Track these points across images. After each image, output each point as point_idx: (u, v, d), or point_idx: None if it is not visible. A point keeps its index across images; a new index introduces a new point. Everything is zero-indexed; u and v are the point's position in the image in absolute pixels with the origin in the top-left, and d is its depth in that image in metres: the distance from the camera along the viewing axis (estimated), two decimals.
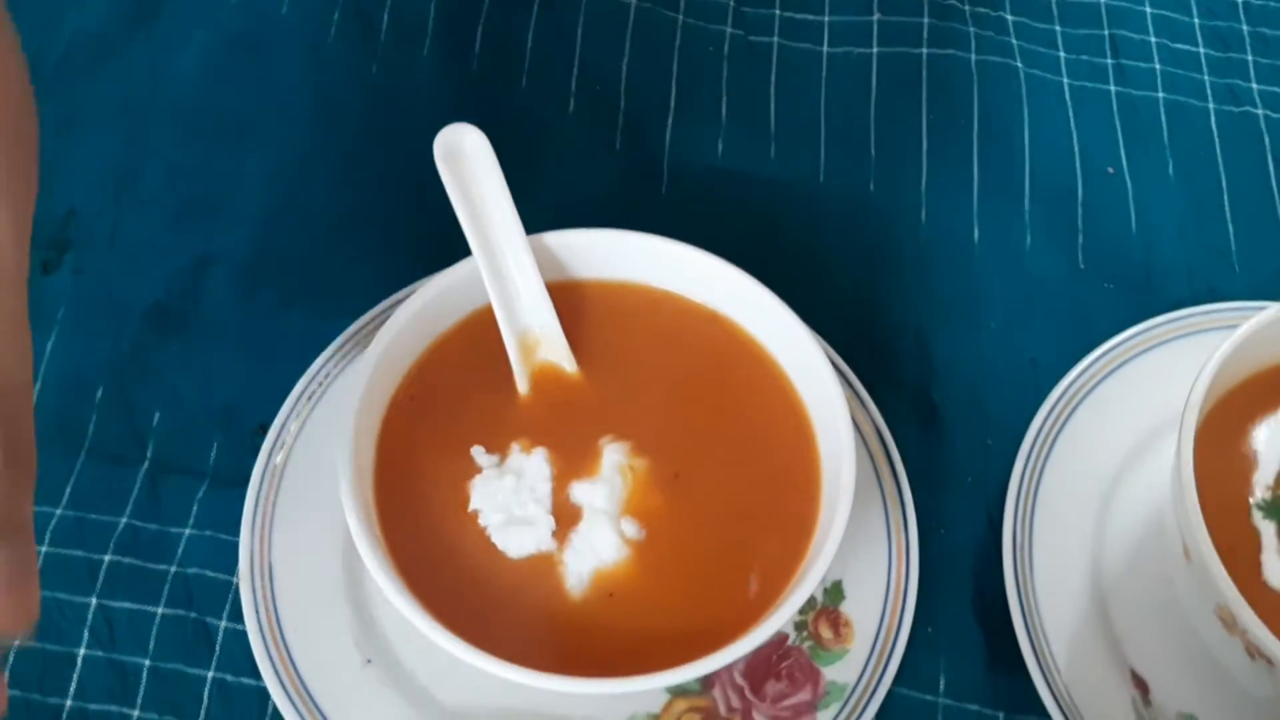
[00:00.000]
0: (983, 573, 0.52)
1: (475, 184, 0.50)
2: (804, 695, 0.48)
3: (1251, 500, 0.49)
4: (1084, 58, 0.65)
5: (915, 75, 0.64)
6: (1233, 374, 0.50)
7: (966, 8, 0.65)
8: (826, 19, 0.65)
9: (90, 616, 0.49)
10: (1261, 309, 0.49)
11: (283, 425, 0.51)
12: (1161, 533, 0.51)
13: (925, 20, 0.65)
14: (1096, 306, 0.58)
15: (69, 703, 0.48)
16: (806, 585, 0.44)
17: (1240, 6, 0.67)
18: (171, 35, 0.63)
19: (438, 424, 0.48)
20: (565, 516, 0.46)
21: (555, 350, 0.50)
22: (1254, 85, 0.65)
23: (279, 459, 0.51)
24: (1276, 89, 0.64)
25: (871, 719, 0.48)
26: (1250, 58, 0.65)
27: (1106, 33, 0.66)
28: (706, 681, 0.49)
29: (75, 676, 0.48)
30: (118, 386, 0.54)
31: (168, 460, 0.52)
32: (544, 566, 0.46)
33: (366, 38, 0.63)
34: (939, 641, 0.51)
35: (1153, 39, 0.66)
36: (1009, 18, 0.65)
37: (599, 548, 0.46)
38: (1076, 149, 0.62)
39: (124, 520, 0.51)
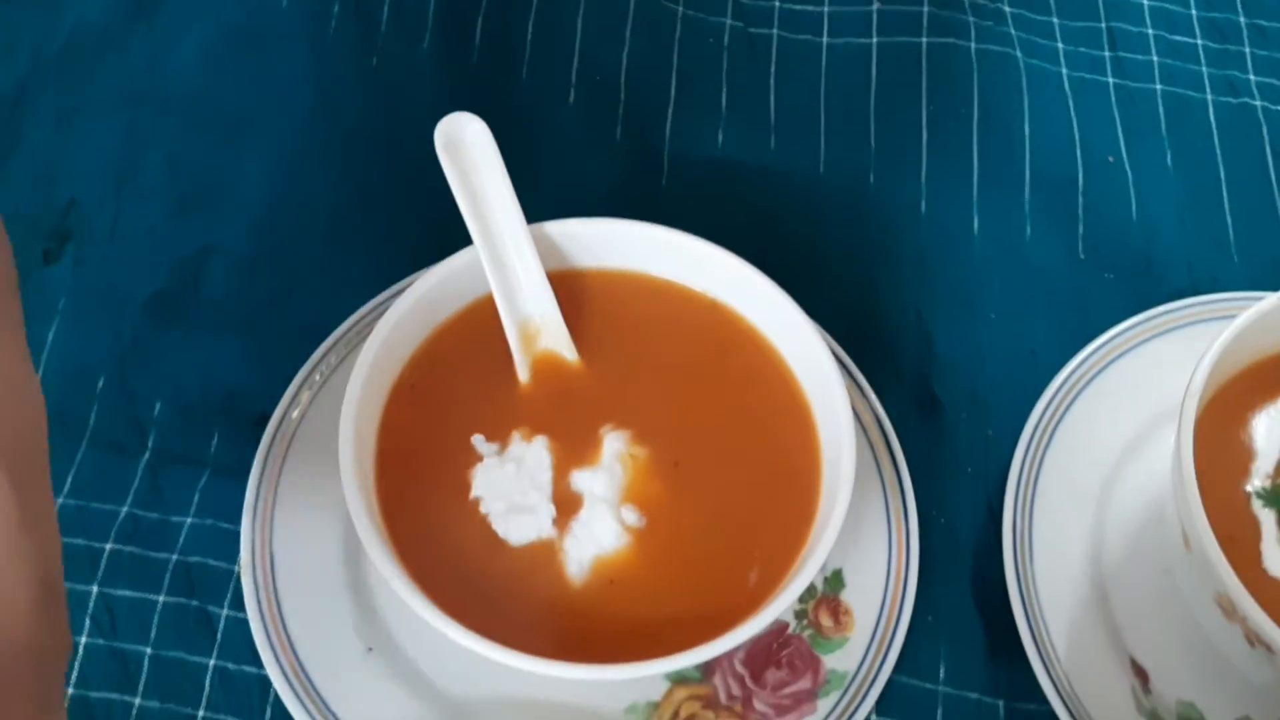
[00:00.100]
0: (983, 562, 0.52)
1: (476, 173, 0.50)
2: (804, 683, 0.48)
3: (1251, 489, 0.49)
4: (1082, 50, 0.65)
5: (915, 65, 0.64)
6: (1232, 363, 0.50)
7: None
8: (826, 10, 0.65)
9: (92, 605, 0.49)
10: (1260, 299, 0.50)
11: (284, 415, 0.51)
12: (1161, 522, 0.51)
13: (925, 9, 0.65)
14: (1096, 297, 0.58)
15: (70, 691, 0.48)
16: (806, 573, 0.44)
17: None
18: (172, 27, 0.63)
19: (439, 412, 0.48)
20: (566, 504, 0.46)
21: (556, 339, 0.50)
22: (1252, 77, 0.65)
23: (280, 448, 0.51)
24: (1274, 81, 0.65)
25: (871, 707, 0.48)
26: (1248, 50, 0.65)
27: (1104, 25, 0.66)
28: (707, 669, 0.49)
29: (77, 665, 0.48)
30: (119, 376, 0.54)
31: (169, 450, 0.53)
32: (545, 554, 0.46)
33: (366, 30, 0.63)
34: (939, 630, 0.51)
35: (1150, 31, 0.66)
36: (1007, 9, 0.66)
37: (599, 535, 0.46)
38: (1077, 138, 0.62)
39: (125, 509, 0.51)
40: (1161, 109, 0.63)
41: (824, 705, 0.48)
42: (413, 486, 0.46)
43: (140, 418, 0.53)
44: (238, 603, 0.49)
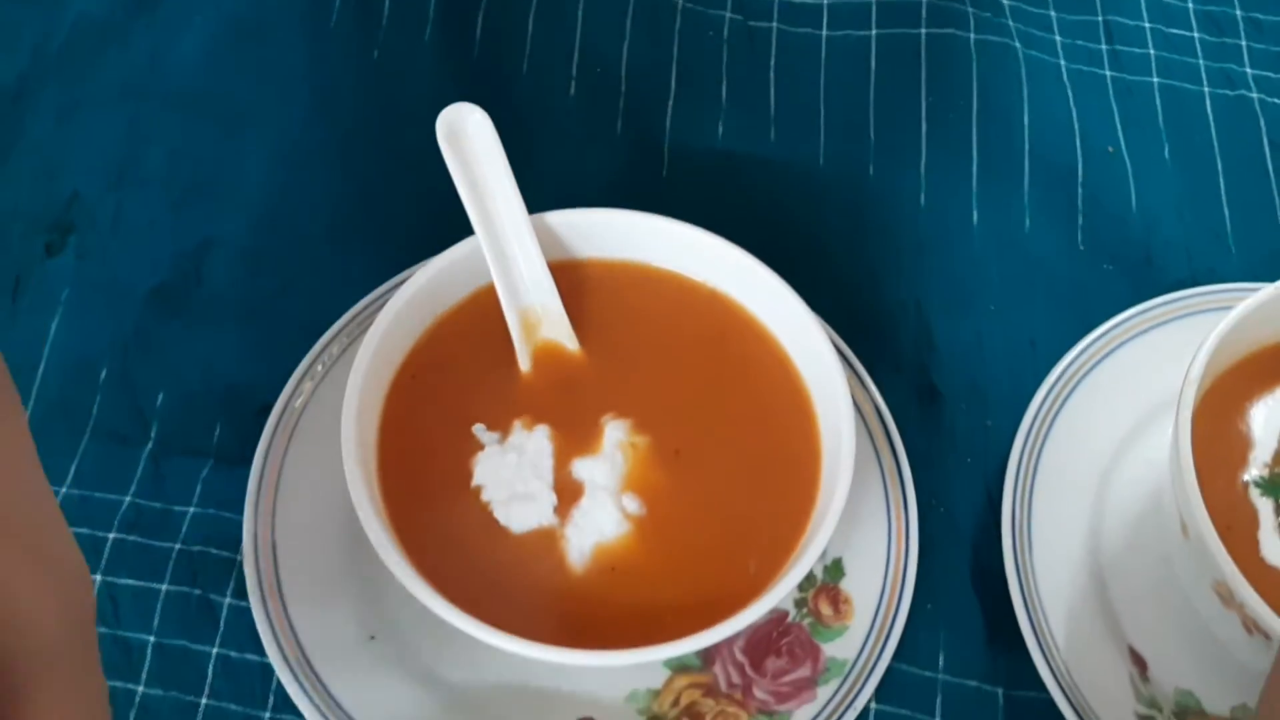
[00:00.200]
0: (982, 551, 0.52)
1: (477, 163, 0.50)
2: (804, 671, 0.49)
3: (1249, 478, 0.49)
4: (1079, 43, 0.65)
5: (914, 56, 0.64)
6: (1230, 354, 0.50)
7: None
8: (825, 2, 0.65)
9: (95, 593, 0.49)
10: (1258, 290, 0.50)
11: (286, 405, 0.51)
12: (1159, 511, 0.51)
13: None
14: (1095, 288, 0.58)
15: None
16: (806, 560, 0.44)
17: None
18: (173, 21, 0.63)
19: (440, 402, 0.48)
20: (567, 492, 0.47)
21: (557, 329, 0.50)
22: (1248, 70, 0.65)
23: (282, 438, 0.51)
24: (1270, 74, 0.65)
25: (871, 695, 0.48)
26: (1244, 43, 0.66)
27: (1100, 19, 0.66)
28: (707, 658, 0.49)
29: None
30: (121, 367, 0.54)
31: (171, 440, 0.53)
32: (546, 541, 0.46)
33: (368, 23, 0.64)
34: (938, 618, 0.51)
35: (1147, 25, 0.66)
36: (1005, 1, 0.66)
37: (600, 523, 0.46)
38: (1077, 129, 0.62)
39: (128, 499, 0.51)
40: (1159, 102, 0.64)
41: (824, 693, 0.48)
42: (414, 475, 0.47)
43: (143, 408, 0.53)
44: (240, 591, 0.49)
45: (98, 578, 0.50)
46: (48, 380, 0.54)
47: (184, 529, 0.51)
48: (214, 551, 0.50)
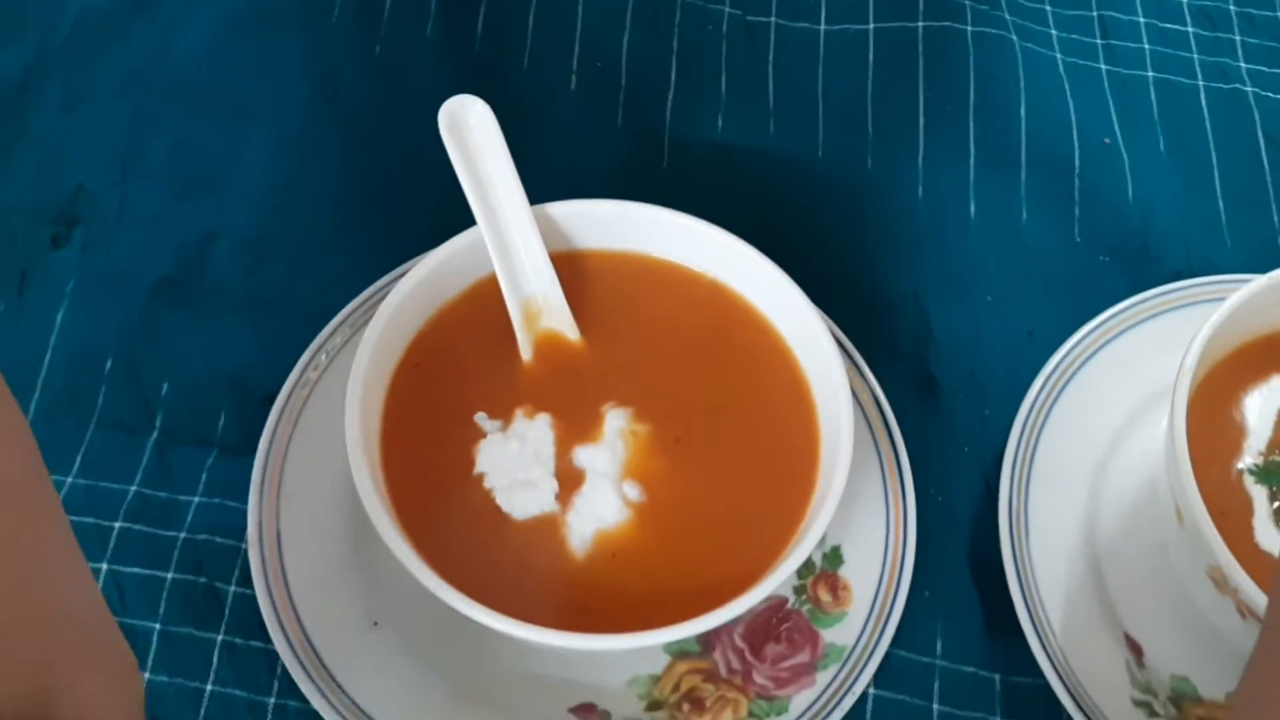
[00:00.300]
0: (979, 539, 0.53)
1: (479, 154, 0.50)
2: (803, 657, 0.49)
3: (1243, 466, 0.50)
4: (1075, 37, 0.66)
5: (912, 49, 0.64)
6: (1225, 343, 0.51)
7: None
8: None
9: (101, 581, 0.50)
10: (1253, 280, 0.50)
11: (289, 394, 0.52)
12: (1155, 499, 0.52)
13: None
14: (1092, 279, 0.59)
15: None
16: (805, 545, 0.44)
17: None
18: (176, 14, 0.63)
19: (443, 390, 0.49)
20: (568, 480, 0.47)
21: (558, 318, 0.50)
22: (1242, 64, 0.65)
23: (286, 427, 0.51)
24: (1264, 68, 0.65)
25: (869, 680, 0.49)
26: (1238, 37, 0.66)
27: (1095, 14, 0.66)
28: (707, 644, 0.49)
29: None
30: (127, 358, 0.54)
31: (176, 430, 0.53)
32: (548, 528, 0.46)
33: (369, 18, 0.64)
34: (936, 605, 0.51)
35: (1141, 19, 0.66)
36: None
37: (601, 509, 0.46)
38: (1074, 121, 0.63)
39: (134, 488, 0.52)
40: (1154, 96, 0.64)
41: (823, 678, 0.49)
42: (417, 463, 0.47)
43: (148, 398, 0.54)
44: (245, 579, 0.50)
45: (104, 566, 0.50)
46: (54, 370, 0.54)
47: (189, 518, 0.51)
48: (219, 540, 0.51)
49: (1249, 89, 0.64)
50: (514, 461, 0.47)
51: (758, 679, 0.49)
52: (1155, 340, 0.56)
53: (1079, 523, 0.53)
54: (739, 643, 0.49)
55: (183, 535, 0.51)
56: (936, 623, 0.51)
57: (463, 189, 0.50)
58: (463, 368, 0.49)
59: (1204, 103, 0.64)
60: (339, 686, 0.47)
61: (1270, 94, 0.64)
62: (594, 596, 0.45)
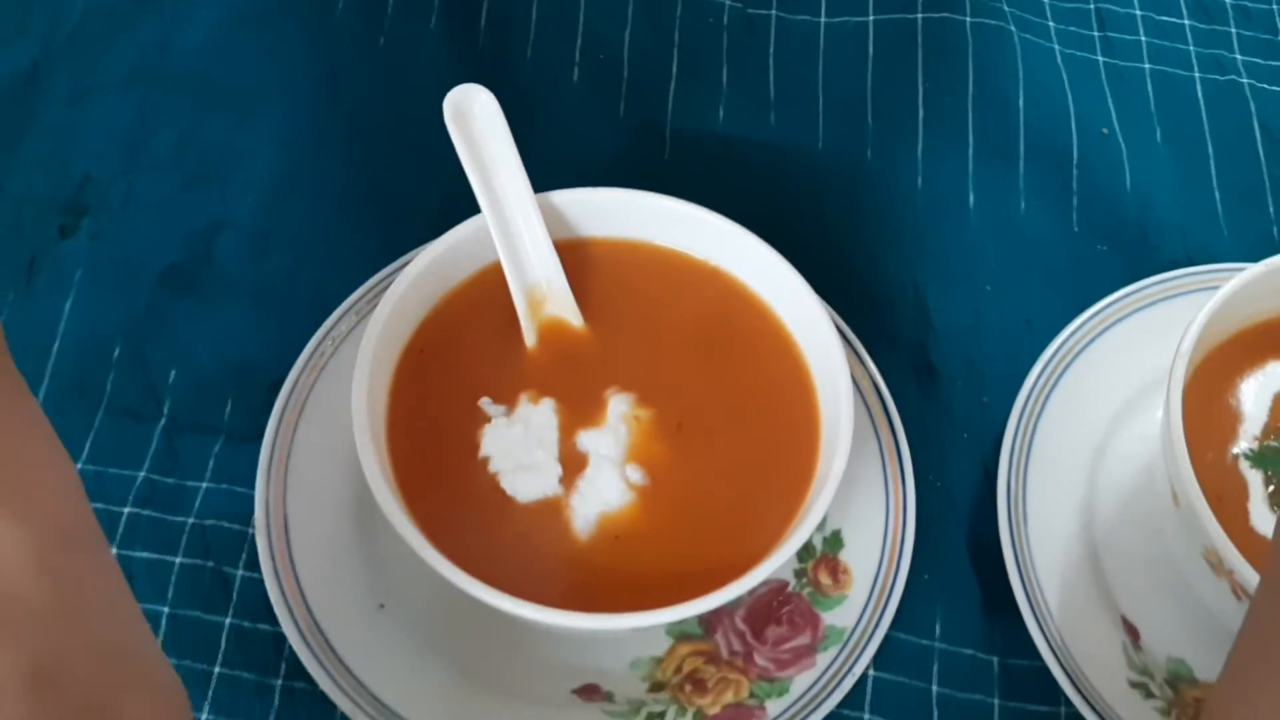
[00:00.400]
0: (978, 523, 0.53)
1: (484, 143, 0.51)
2: (804, 639, 0.50)
3: (1239, 451, 0.50)
4: (1072, 29, 0.66)
5: (911, 41, 0.65)
6: (1220, 330, 0.51)
7: None
8: None
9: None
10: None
11: (296, 380, 0.52)
12: (1152, 484, 0.52)
13: None
14: (1090, 269, 0.59)
15: None
16: (805, 527, 0.45)
17: None
18: (181, 8, 0.64)
19: (448, 376, 0.49)
20: (572, 463, 0.48)
21: (562, 305, 0.51)
22: (1238, 57, 0.66)
23: (293, 413, 0.52)
24: (1260, 60, 0.66)
25: (869, 662, 0.49)
26: (1234, 30, 0.67)
27: (1092, 6, 0.67)
28: (709, 626, 0.50)
29: None
30: (134, 345, 0.55)
31: (184, 417, 0.54)
32: (552, 510, 0.47)
33: (374, 10, 0.64)
34: (935, 589, 0.52)
35: (1138, 12, 0.67)
36: None
37: (604, 492, 0.47)
38: (1072, 112, 0.63)
39: (142, 474, 0.52)
40: (1151, 87, 0.65)
41: (823, 659, 0.49)
42: (423, 447, 0.48)
43: (155, 385, 0.54)
44: (252, 563, 0.50)
45: (113, 551, 0.50)
46: (63, 358, 0.55)
47: (197, 503, 0.52)
48: (226, 525, 0.51)
49: (1245, 81, 0.65)
50: (518, 445, 0.47)
51: (759, 661, 0.49)
52: (1152, 328, 0.56)
53: (1076, 508, 0.53)
54: (740, 625, 0.50)
55: (190, 520, 0.52)
56: (936, 606, 0.52)
57: (467, 177, 0.50)
58: (467, 353, 0.50)
59: (1200, 95, 0.65)
60: (346, 668, 0.47)
61: (1266, 86, 0.65)
62: (597, 578, 0.46)
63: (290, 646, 0.48)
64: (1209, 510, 0.45)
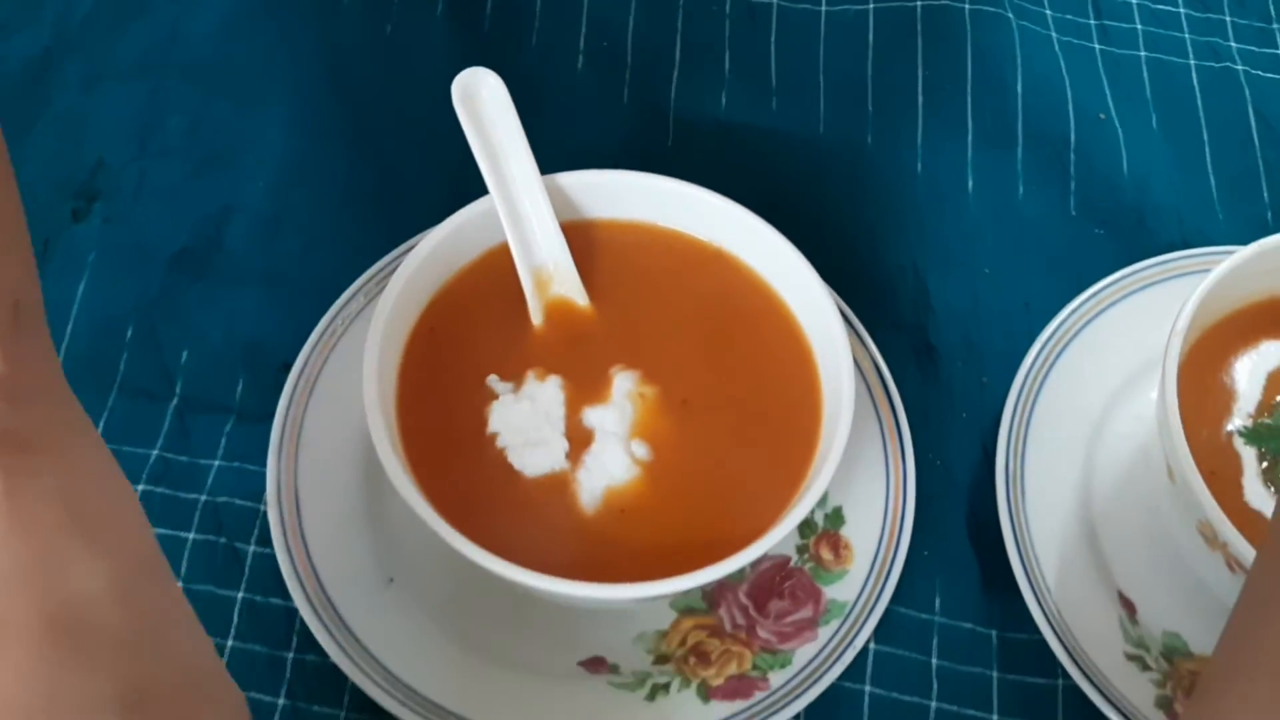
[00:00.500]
0: (977, 501, 0.54)
1: (492, 126, 0.52)
2: (806, 612, 0.50)
3: (1233, 428, 0.51)
4: (1069, 17, 0.67)
5: (910, 29, 0.66)
6: (1214, 310, 0.52)
7: None
8: None
9: None
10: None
11: (307, 359, 0.53)
12: (1148, 462, 0.53)
13: None
14: (1087, 252, 0.60)
15: None
16: (807, 501, 0.46)
17: None
18: None
19: (456, 354, 0.50)
20: (578, 439, 0.48)
21: (568, 285, 0.52)
22: (1233, 44, 0.67)
23: (304, 391, 0.52)
24: (1254, 48, 0.67)
25: (870, 635, 0.50)
26: (1228, 18, 0.68)
27: None
28: (712, 601, 0.51)
29: None
30: (147, 326, 0.56)
31: (196, 396, 0.55)
32: (559, 484, 0.48)
33: None
34: (935, 564, 0.53)
35: (1134, 0, 0.68)
36: None
37: (610, 467, 0.48)
38: (1069, 97, 0.64)
39: (155, 452, 0.53)
40: (1147, 74, 0.66)
41: (824, 633, 0.50)
42: (432, 424, 0.48)
43: (168, 366, 0.55)
44: (264, 539, 0.51)
45: None
46: (76, 339, 0.55)
47: (209, 481, 0.53)
48: (238, 502, 0.52)
49: (1239, 68, 0.66)
50: (526, 421, 0.48)
51: (762, 634, 0.50)
52: (1149, 309, 0.57)
53: (1074, 485, 0.54)
54: (743, 599, 0.51)
55: (203, 498, 0.52)
56: (935, 581, 0.53)
57: (475, 159, 0.51)
58: (476, 332, 0.51)
59: (1195, 81, 0.65)
60: (356, 640, 0.48)
61: (1260, 72, 0.66)
62: (603, 550, 0.47)
63: (302, 620, 0.49)
64: (1203, 484, 0.46)
